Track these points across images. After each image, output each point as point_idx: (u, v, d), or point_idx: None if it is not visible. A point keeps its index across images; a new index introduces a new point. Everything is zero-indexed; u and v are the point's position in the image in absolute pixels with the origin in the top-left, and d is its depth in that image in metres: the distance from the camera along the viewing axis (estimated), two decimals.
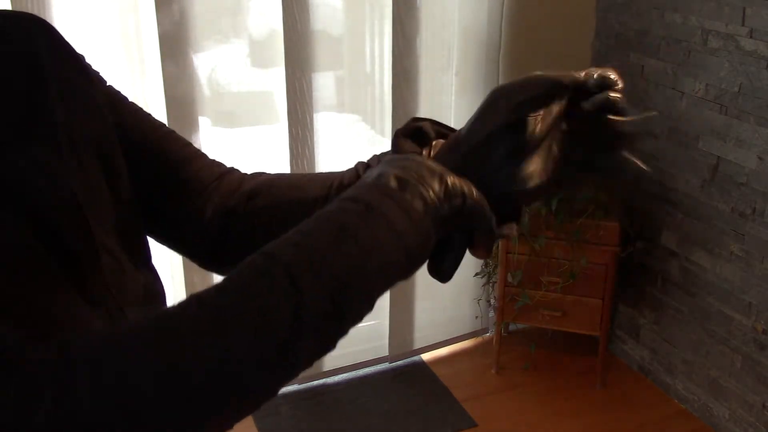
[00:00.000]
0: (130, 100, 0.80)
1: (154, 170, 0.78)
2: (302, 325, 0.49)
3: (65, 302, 0.60)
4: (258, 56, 2.49)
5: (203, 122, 2.35)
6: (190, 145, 0.82)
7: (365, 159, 0.75)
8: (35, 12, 1.84)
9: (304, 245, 0.52)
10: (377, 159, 0.73)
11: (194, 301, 0.50)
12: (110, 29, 2.16)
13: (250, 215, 0.77)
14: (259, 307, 0.49)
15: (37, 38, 0.68)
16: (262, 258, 0.52)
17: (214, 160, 0.83)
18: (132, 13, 2.18)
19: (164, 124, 0.81)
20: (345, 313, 0.51)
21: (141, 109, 0.80)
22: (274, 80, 2.40)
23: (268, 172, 0.82)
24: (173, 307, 0.50)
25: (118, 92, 0.79)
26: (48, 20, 0.71)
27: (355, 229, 0.52)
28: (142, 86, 2.24)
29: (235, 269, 0.52)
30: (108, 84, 0.77)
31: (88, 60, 0.75)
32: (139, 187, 0.76)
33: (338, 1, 2.49)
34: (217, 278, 0.56)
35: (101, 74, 0.76)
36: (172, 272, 2.40)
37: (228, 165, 0.84)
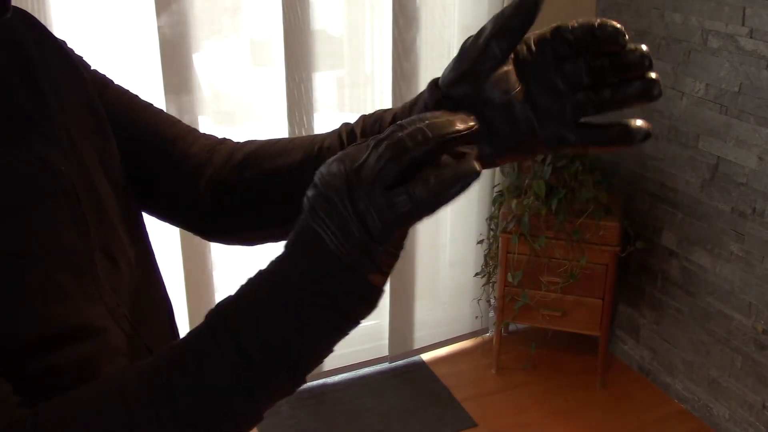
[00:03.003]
0: (116, 83, 0.80)
1: (146, 150, 0.78)
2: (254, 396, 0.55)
3: (64, 298, 0.60)
4: (258, 56, 2.49)
5: (203, 122, 2.35)
6: (179, 122, 0.83)
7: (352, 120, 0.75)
8: (35, 10, 1.84)
9: (253, 317, 0.54)
10: (362, 120, 0.73)
11: (152, 381, 0.54)
12: (110, 30, 2.16)
13: (241, 187, 0.78)
14: (215, 396, 0.54)
15: (23, 30, 0.68)
16: (216, 330, 0.55)
17: (204, 134, 0.84)
18: (132, 13, 2.18)
19: (151, 104, 0.82)
20: (298, 376, 0.56)
21: (128, 90, 0.80)
22: (274, 80, 2.40)
23: (258, 139, 0.83)
24: (135, 384, 0.54)
25: (104, 76, 0.79)
26: (47, 20, 0.71)
27: (294, 304, 0.54)
28: (141, 86, 2.23)
29: (192, 338, 0.56)
30: (92, 68, 0.77)
31: (72, 47, 0.75)
32: (133, 167, 0.76)
33: (338, 1, 2.49)
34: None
35: (84, 59, 0.76)
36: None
37: (219, 136, 0.85)
